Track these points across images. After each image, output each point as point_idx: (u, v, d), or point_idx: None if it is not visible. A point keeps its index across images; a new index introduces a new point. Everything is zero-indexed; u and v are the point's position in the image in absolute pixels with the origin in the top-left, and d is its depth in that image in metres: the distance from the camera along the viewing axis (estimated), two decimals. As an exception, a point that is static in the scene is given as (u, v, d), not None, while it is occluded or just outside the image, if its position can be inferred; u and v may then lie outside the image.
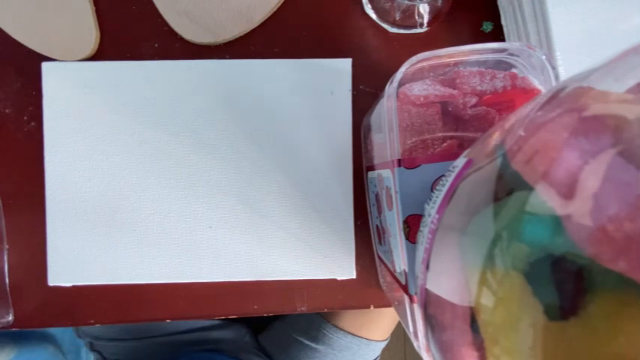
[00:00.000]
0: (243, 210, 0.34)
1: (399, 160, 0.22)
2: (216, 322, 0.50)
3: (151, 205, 0.34)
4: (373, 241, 0.34)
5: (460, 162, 0.18)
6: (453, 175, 0.18)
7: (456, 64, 0.24)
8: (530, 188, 0.13)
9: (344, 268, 0.34)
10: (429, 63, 0.23)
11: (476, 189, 0.16)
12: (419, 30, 0.33)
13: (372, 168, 0.30)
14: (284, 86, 0.34)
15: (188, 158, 0.34)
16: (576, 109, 0.13)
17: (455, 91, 0.24)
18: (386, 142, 0.23)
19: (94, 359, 0.54)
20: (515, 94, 0.23)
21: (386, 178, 0.24)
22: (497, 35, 0.34)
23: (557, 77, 0.22)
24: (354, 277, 0.34)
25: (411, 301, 0.21)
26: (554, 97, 0.14)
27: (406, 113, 0.23)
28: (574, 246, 0.11)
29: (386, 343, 0.55)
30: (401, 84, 0.24)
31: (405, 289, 0.22)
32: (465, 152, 0.19)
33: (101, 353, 0.55)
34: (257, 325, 0.54)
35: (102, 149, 0.34)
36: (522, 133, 0.14)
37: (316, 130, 0.34)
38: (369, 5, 0.34)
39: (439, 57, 0.22)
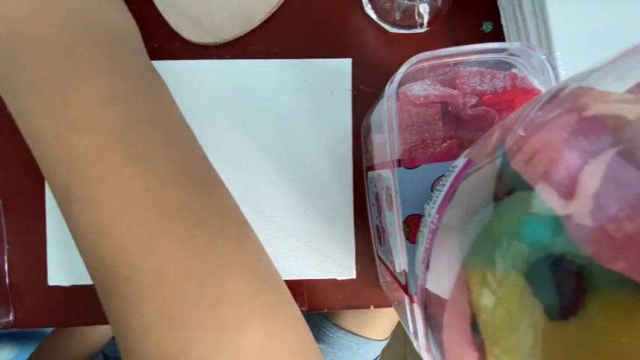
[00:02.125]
0: (243, 210, 0.34)
1: (399, 160, 0.22)
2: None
3: (151, 205, 0.34)
4: (373, 241, 0.34)
5: (460, 162, 0.18)
6: (453, 175, 0.18)
7: (456, 64, 0.24)
8: (530, 188, 0.13)
9: (344, 268, 0.34)
10: (429, 63, 0.23)
11: (476, 189, 0.16)
12: (419, 30, 0.33)
13: (372, 168, 0.30)
14: (284, 86, 0.34)
15: (188, 158, 0.34)
16: (576, 109, 0.13)
17: (455, 91, 0.24)
18: (386, 142, 0.23)
19: (94, 359, 0.54)
20: (515, 94, 0.23)
21: (386, 178, 0.24)
22: (497, 35, 0.34)
23: (557, 77, 0.22)
24: (354, 277, 0.34)
25: (411, 301, 0.21)
26: (554, 97, 0.14)
27: (406, 113, 0.24)
28: (574, 246, 0.11)
29: (386, 342, 0.55)
30: (401, 84, 0.24)
31: (405, 289, 0.22)
32: (465, 152, 0.19)
33: (102, 351, 0.55)
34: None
35: (102, 149, 0.34)
36: (522, 133, 0.14)
37: (316, 130, 0.34)
38: (369, 5, 0.34)
39: (439, 57, 0.22)
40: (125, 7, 0.29)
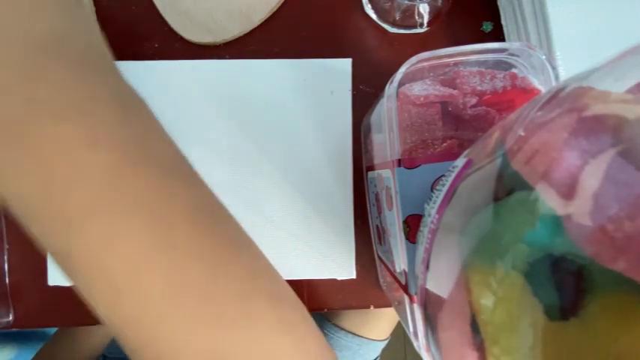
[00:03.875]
0: (243, 210, 0.34)
1: (399, 160, 0.22)
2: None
3: (151, 205, 0.34)
4: (373, 241, 0.34)
5: (460, 162, 0.18)
6: (453, 175, 0.18)
7: (456, 64, 0.24)
8: (530, 188, 0.13)
9: (344, 268, 0.34)
10: (429, 63, 0.23)
11: (476, 189, 0.16)
12: (419, 30, 0.33)
13: (372, 168, 0.30)
14: (284, 86, 0.34)
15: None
16: (576, 109, 0.13)
17: (455, 91, 0.24)
18: (386, 142, 0.23)
19: (95, 359, 0.54)
20: (515, 94, 0.23)
21: (386, 178, 0.24)
22: (497, 35, 0.34)
23: (557, 77, 0.22)
24: (354, 277, 0.34)
25: (411, 301, 0.21)
26: (554, 97, 0.14)
27: (406, 113, 0.23)
28: (574, 246, 0.11)
29: (386, 342, 0.55)
30: (401, 84, 0.24)
31: (405, 289, 0.22)
32: (465, 152, 0.19)
33: (102, 353, 0.55)
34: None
35: (102, 149, 0.34)
36: (522, 133, 0.14)
37: (316, 130, 0.34)
38: (369, 5, 0.34)
39: (439, 57, 0.22)
40: (85, 15, 0.22)
